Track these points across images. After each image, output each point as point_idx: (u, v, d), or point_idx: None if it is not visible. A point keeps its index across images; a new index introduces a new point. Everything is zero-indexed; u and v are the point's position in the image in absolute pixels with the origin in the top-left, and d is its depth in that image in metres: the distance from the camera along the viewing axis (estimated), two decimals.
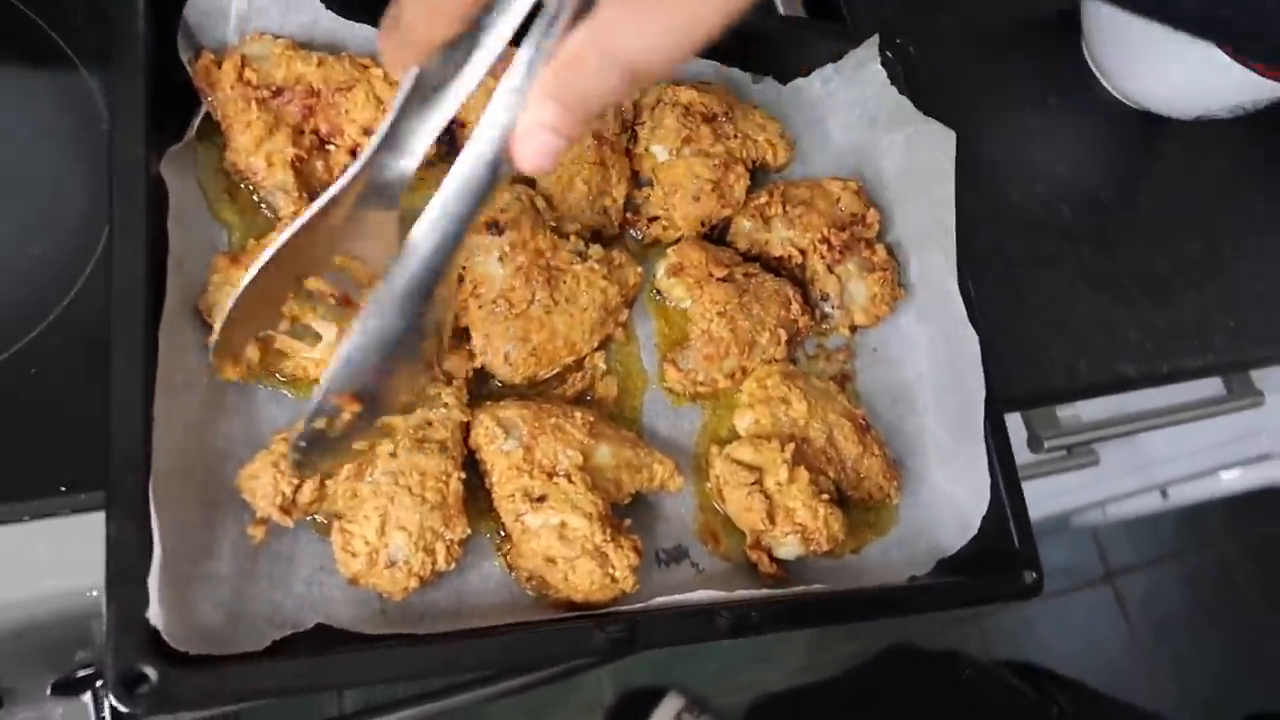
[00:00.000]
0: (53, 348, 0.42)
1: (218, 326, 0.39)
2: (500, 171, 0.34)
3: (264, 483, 0.39)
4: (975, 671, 0.90)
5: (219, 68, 0.46)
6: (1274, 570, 2.08)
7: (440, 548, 0.41)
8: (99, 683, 0.48)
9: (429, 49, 0.34)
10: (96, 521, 0.40)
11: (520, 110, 0.32)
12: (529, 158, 0.32)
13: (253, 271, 0.37)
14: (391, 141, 0.36)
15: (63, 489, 0.40)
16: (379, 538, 0.40)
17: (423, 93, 0.35)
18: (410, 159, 0.37)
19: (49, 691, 0.48)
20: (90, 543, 0.40)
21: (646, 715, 1.45)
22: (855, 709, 1.00)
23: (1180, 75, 0.70)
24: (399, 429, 0.41)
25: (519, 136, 0.32)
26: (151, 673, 0.34)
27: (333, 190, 0.37)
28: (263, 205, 0.47)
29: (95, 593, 0.40)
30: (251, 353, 0.41)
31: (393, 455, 0.41)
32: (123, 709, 0.34)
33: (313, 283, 0.41)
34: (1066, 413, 0.78)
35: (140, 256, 0.40)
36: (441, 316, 0.38)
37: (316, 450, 0.38)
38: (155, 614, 0.35)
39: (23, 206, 0.44)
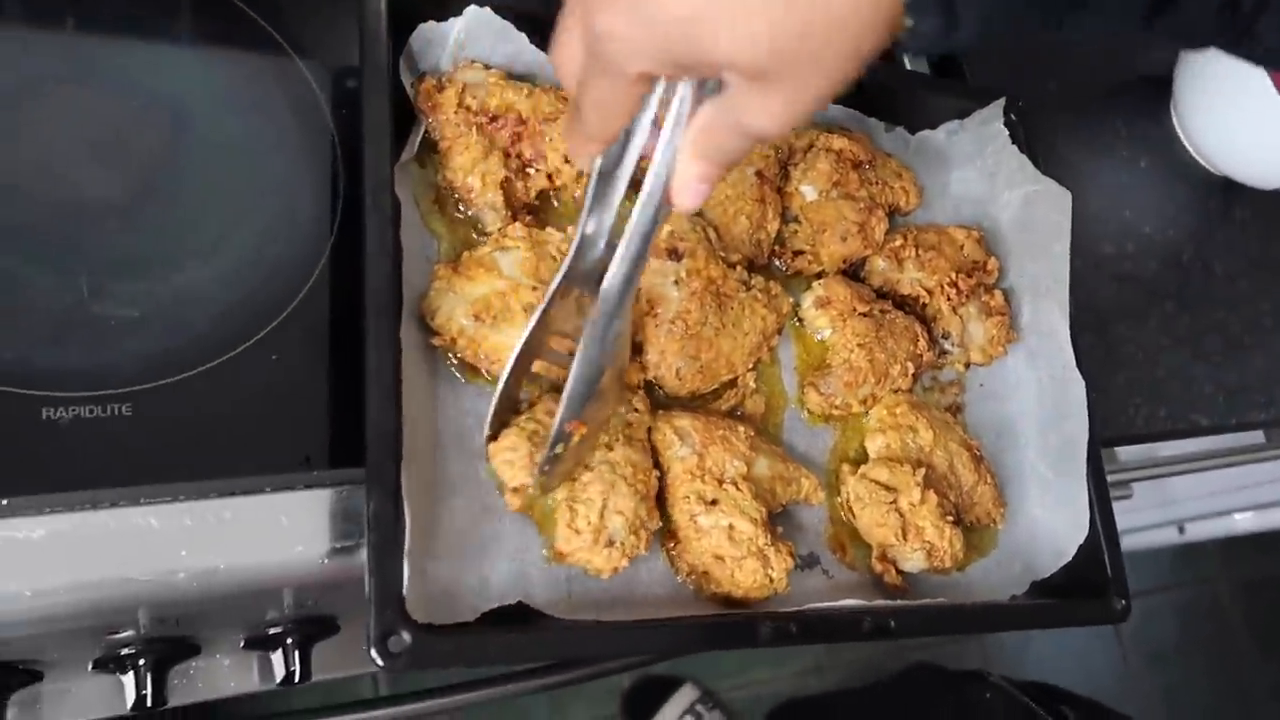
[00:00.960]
0: (289, 337, 0.47)
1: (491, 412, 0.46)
2: (660, 216, 0.40)
3: (520, 455, 0.44)
4: (996, 694, 0.94)
5: (440, 92, 0.51)
6: (1262, 610, 2.15)
7: (644, 534, 0.46)
8: (289, 640, 0.52)
9: (606, 143, 0.40)
10: (322, 497, 0.46)
11: (673, 169, 0.38)
12: (686, 202, 0.39)
13: (505, 373, 0.45)
14: (589, 235, 0.44)
15: (301, 465, 0.45)
16: (600, 519, 0.45)
17: (604, 178, 0.42)
18: (604, 244, 0.44)
19: (241, 645, 0.53)
20: (314, 514, 0.46)
21: (661, 703, 1.50)
22: None
23: (1262, 146, 0.75)
24: (611, 426, 0.47)
25: (677, 189, 0.39)
26: (406, 636, 0.39)
27: (552, 289, 0.44)
28: (469, 219, 0.52)
29: (325, 560, 0.45)
30: None
31: (609, 448, 0.47)
32: (380, 664, 0.39)
33: (538, 367, 0.47)
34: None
35: (388, 261, 0.45)
36: (626, 343, 0.46)
37: (555, 468, 0.45)
38: (406, 585, 0.40)
39: (262, 212, 0.49)
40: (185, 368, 0.45)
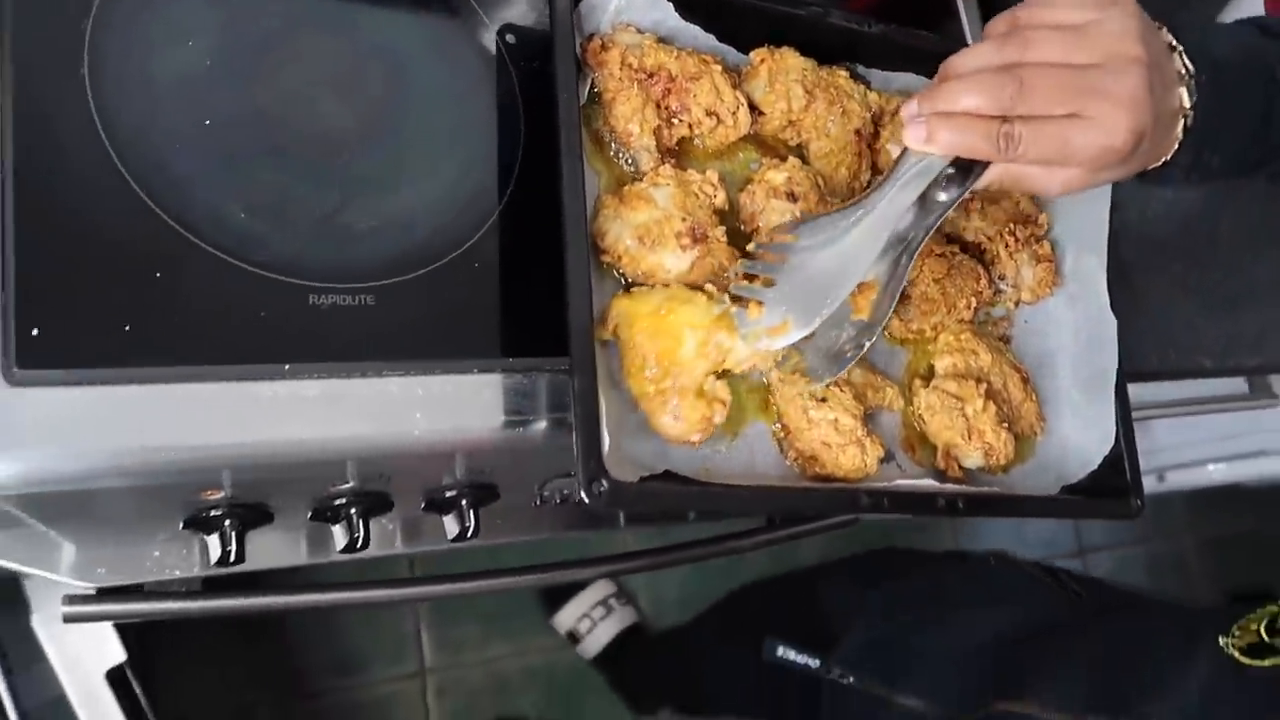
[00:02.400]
0: (486, 248, 0.57)
1: None
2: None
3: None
4: (1000, 561, 0.94)
5: (605, 51, 0.61)
6: (1223, 566, 2.31)
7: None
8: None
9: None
10: (511, 379, 0.57)
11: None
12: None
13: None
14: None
15: (495, 353, 0.56)
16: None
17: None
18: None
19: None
20: (502, 392, 0.56)
21: (577, 591, 1.58)
22: (869, 582, 1.02)
23: None
24: None
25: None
26: (605, 483, 0.50)
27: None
28: (625, 159, 0.62)
29: (503, 430, 0.56)
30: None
31: None
32: (588, 502, 0.50)
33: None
34: None
35: (579, 187, 0.55)
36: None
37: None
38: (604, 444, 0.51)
39: (463, 144, 0.59)
40: (409, 270, 0.55)
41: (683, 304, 0.56)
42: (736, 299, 0.57)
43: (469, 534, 0.63)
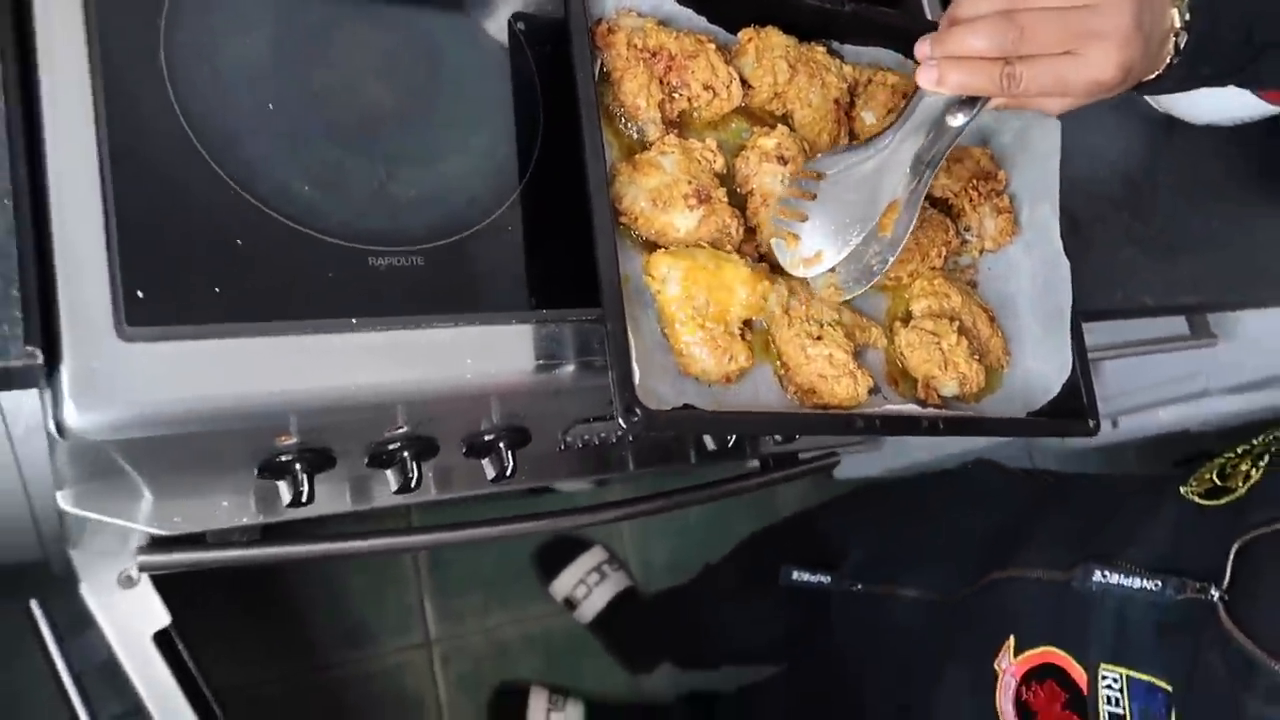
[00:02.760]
0: (516, 216, 0.64)
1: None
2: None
3: None
4: (978, 466, 0.99)
5: (612, 34, 0.68)
6: None
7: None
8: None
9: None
10: (543, 329, 0.64)
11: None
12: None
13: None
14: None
15: (529, 305, 0.63)
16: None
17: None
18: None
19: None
20: (536, 340, 0.63)
21: (572, 559, 1.66)
22: (860, 509, 1.10)
23: (1201, 95, 0.96)
24: None
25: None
26: (638, 411, 0.58)
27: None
28: (633, 130, 0.69)
29: (537, 373, 0.63)
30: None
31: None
32: (625, 426, 0.57)
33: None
34: None
35: (601, 154, 0.62)
36: None
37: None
38: (636, 378, 0.58)
39: (492, 122, 0.66)
40: (452, 233, 0.62)
41: (726, 261, 0.65)
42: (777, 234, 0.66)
43: (507, 473, 0.70)
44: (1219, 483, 0.66)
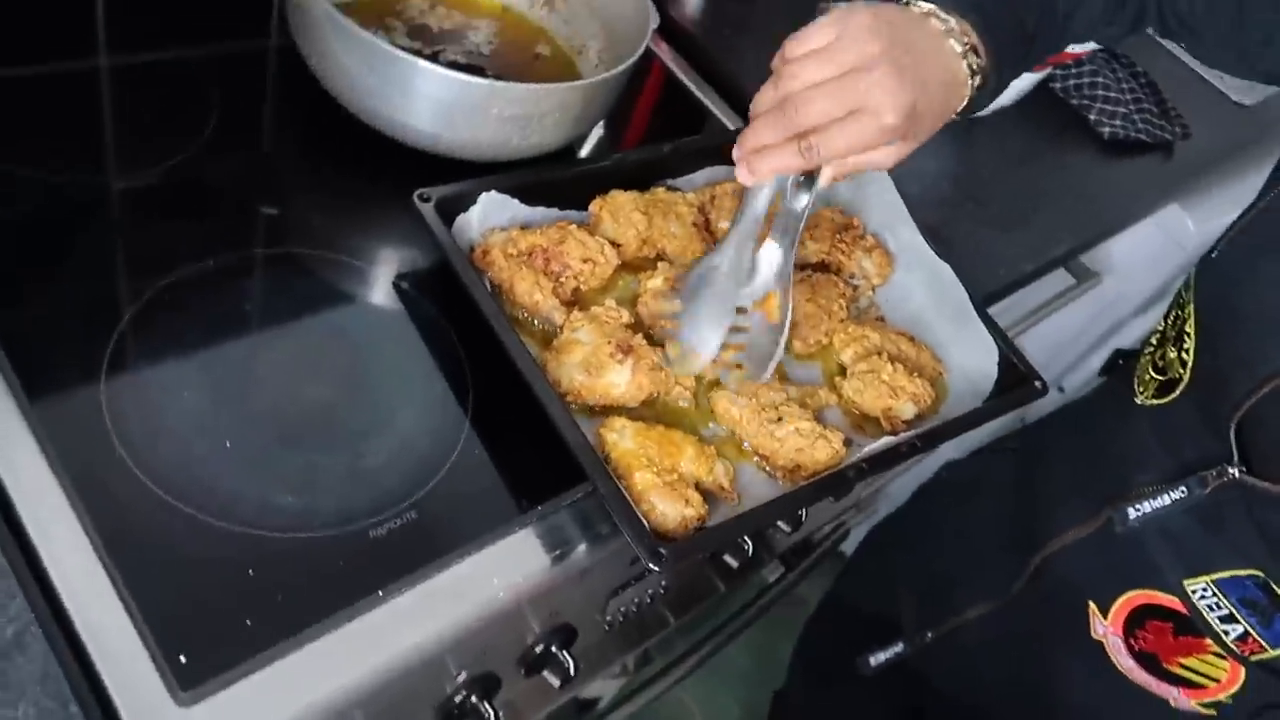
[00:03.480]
0: (475, 441, 0.69)
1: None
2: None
3: None
4: (948, 469, 1.04)
5: (488, 254, 0.75)
6: None
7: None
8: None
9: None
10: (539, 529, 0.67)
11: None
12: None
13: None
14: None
15: (523, 510, 0.66)
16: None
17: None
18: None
19: (523, 674, 0.71)
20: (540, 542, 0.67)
21: None
22: (881, 569, 1.08)
23: None
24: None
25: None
26: (663, 550, 0.61)
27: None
28: (541, 324, 0.75)
29: (559, 566, 0.66)
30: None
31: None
32: (659, 569, 0.60)
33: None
34: None
35: (525, 353, 0.68)
36: None
37: None
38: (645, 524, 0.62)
39: (421, 374, 0.71)
40: (429, 479, 0.66)
41: (673, 429, 0.71)
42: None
43: (571, 675, 0.71)
44: (1161, 378, 0.68)
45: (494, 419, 0.70)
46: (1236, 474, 0.59)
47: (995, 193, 1.08)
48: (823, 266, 0.89)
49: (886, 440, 0.74)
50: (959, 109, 0.67)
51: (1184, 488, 0.62)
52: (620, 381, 0.71)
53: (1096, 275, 1.34)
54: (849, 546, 1.51)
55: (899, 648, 0.89)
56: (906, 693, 0.90)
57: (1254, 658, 0.61)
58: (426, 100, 0.77)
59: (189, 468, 0.61)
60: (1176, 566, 0.64)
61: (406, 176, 0.75)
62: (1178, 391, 0.65)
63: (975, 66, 0.65)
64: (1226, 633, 0.62)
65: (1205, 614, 0.63)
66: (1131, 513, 0.64)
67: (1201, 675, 0.65)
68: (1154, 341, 0.71)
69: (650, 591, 0.84)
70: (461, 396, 0.71)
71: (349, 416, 0.67)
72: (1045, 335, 1.53)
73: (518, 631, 0.70)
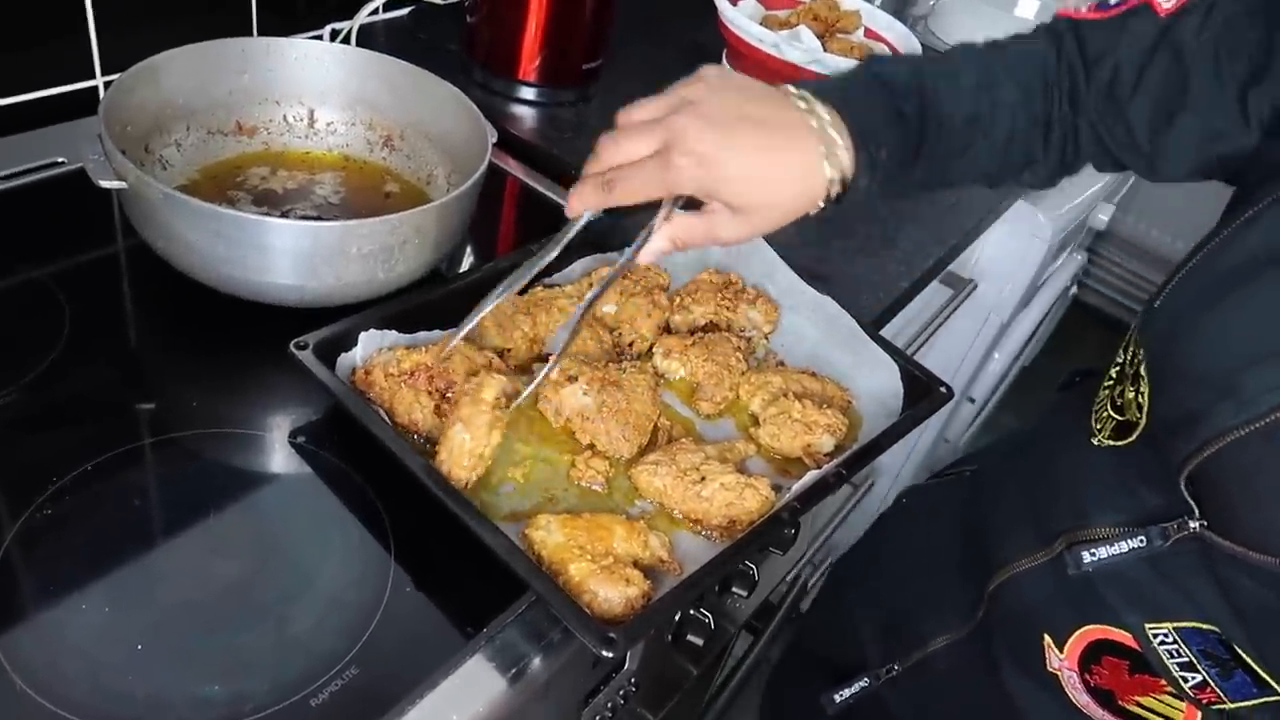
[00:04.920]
0: (404, 577, 0.66)
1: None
2: (630, 268, 0.67)
3: None
4: (908, 494, 1.01)
5: (368, 377, 0.74)
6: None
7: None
8: None
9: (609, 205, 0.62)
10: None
11: (645, 241, 0.64)
12: (645, 260, 0.65)
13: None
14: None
15: (469, 636, 0.64)
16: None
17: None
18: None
19: None
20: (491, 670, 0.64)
21: None
22: (836, 599, 1.06)
23: None
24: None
25: (644, 254, 0.64)
26: (613, 635, 0.59)
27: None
28: (423, 440, 0.73)
29: (520, 682, 0.63)
30: None
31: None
32: (611, 655, 0.58)
33: None
34: None
35: (433, 473, 0.66)
36: None
37: None
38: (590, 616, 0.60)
39: (334, 525, 0.69)
40: (365, 629, 0.63)
41: (599, 515, 0.69)
42: None
43: None
44: (1119, 417, 0.65)
45: (418, 551, 0.68)
46: (1197, 528, 0.56)
47: (856, 223, 1.12)
48: (713, 326, 0.90)
49: (812, 474, 0.74)
50: (823, 193, 0.62)
51: (1144, 537, 0.59)
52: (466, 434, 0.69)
53: (971, 281, 1.39)
54: (808, 604, 1.50)
55: (864, 682, 0.86)
56: None
57: (1213, 707, 0.59)
58: (284, 255, 0.77)
59: (101, 682, 0.57)
60: (1133, 610, 0.62)
61: (279, 335, 0.73)
62: (1135, 435, 0.62)
63: (829, 141, 0.60)
64: (1185, 679, 0.60)
65: (1165, 659, 0.60)
66: (1086, 556, 0.62)
67: (1157, 715, 0.63)
68: (1113, 375, 0.67)
69: (622, 692, 0.80)
70: (381, 537, 0.68)
71: (267, 586, 0.64)
72: (942, 349, 1.58)
73: None
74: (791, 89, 0.63)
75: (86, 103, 1.01)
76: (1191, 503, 0.56)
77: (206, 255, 0.78)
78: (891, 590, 0.89)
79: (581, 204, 0.64)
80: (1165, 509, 0.59)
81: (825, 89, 0.63)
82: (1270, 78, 0.58)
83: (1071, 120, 0.69)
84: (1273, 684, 0.55)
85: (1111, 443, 0.64)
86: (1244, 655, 0.56)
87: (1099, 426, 0.67)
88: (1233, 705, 0.58)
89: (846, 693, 0.85)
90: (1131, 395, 0.62)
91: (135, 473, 0.70)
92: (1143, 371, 0.61)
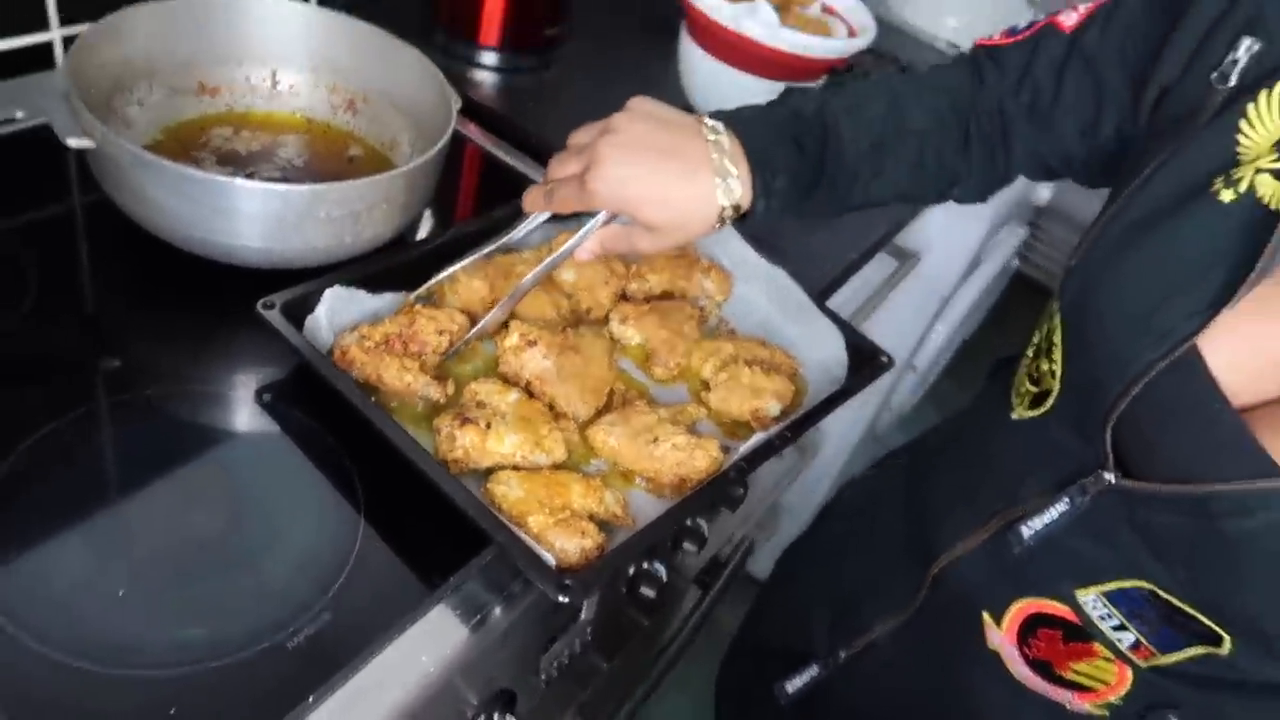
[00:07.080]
0: (374, 533, 0.69)
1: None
2: (562, 259, 0.75)
3: None
4: (849, 487, 1.04)
5: (346, 353, 0.76)
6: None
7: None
8: None
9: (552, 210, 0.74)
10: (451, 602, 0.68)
11: (581, 242, 0.72)
12: (582, 258, 0.73)
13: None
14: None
15: (434, 586, 0.67)
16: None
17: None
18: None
19: None
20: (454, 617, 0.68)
21: None
22: (788, 589, 1.06)
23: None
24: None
25: (580, 252, 0.72)
26: (568, 581, 0.63)
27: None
28: (420, 404, 0.76)
29: (478, 631, 0.67)
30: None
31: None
32: (568, 599, 0.62)
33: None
34: None
35: (410, 440, 0.69)
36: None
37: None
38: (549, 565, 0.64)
39: (307, 480, 0.72)
40: (337, 576, 0.66)
41: (558, 472, 0.74)
42: None
43: None
44: (1036, 389, 0.67)
45: (387, 507, 0.71)
46: (1112, 479, 0.58)
47: None
48: (668, 295, 0.93)
49: (759, 437, 0.79)
50: (717, 217, 0.70)
51: (1066, 499, 0.62)
52: (508, 442, 0.73)
53: (916, 254, 1.44)
54: (757, 566, 1.55)
55: (814, 671, 0.88)
56: (829, 716, 0.90)
57: (1147, 664, 0.62)
58: (252, 218, 0.79)
59: (86, 625, 0.59)
60: (1066, 578, 0.64)
61: (247, 295, 0.76)
62: (1050, 402, 0.65)
63: (724, 171, 0.68)
64: (1120, 639, 0.62)
65: (1098, 624, 0.63)
66: (1025, 531, 0.64)
67: (1093, 679, 0.66)
68: (1029, 354, 0.70)
69: (578, 641, 0.85)
70: (350, 493, 0.72)
71: (243, 538, 0.67)
72: (885, 320, 1.63)
73: (457, 706, 0.70)
74: (707, 120, 0.70)
75: (41, 56, 1.01)
76: (1109, 453, 0.59)
77: (175, 216, 0.79)
78: (837, 579, 0.92)
79: (532, 205, 0.76)
80: (1081, 469, 0.61)
81: (738, 118, 0.71)
82: (1160, 63, 0.63)
83: (1002, 139, 0.76)
84: (1199, 618, 0.57)
85: (1030, 414, 0.67)
86: (1170, 600, 0.58)
87: (1017, 401, 0.70)
88: (1166, 660, 0.61)
89: (799, 681, 0.88)
90: (1046, 366, 0.65)
91: (106, 429, 0.72)
92: (1056, 339, 0.64)
